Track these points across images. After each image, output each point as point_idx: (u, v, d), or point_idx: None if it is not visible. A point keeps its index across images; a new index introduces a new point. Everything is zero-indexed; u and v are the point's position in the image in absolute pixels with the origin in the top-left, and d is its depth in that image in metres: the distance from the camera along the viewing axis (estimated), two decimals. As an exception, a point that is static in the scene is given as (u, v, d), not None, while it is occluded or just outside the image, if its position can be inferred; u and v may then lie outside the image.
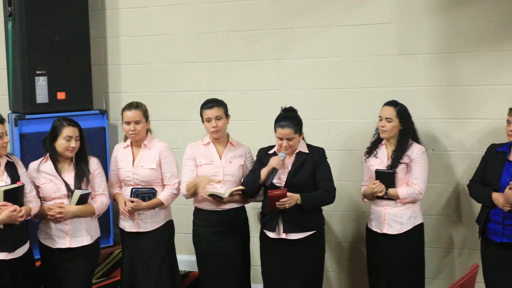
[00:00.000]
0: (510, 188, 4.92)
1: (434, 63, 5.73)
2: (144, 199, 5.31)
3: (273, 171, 5.14)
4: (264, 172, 5.16)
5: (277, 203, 5.05)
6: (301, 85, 6.10)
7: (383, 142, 5.41)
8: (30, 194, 5.02)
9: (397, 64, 5.82)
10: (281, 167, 5.16)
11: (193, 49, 6.41)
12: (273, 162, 5.14)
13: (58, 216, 5.06)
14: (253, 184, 5.21)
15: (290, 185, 5.15)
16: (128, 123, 5.35)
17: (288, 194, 5.05)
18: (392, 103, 5.34)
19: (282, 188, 5.12)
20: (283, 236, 5.16)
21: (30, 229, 5.32)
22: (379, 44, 5.86)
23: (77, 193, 5.10)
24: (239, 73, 6.29)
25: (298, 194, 5.10)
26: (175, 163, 5.44)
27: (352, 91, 5.95)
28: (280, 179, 5.19)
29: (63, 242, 5.13)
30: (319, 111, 6.04)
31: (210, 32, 6.34)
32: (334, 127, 6.02)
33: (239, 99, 6.24)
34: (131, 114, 5.35)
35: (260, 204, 5.47)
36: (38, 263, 5.30)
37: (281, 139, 5.15)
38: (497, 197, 5.04)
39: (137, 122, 5.35)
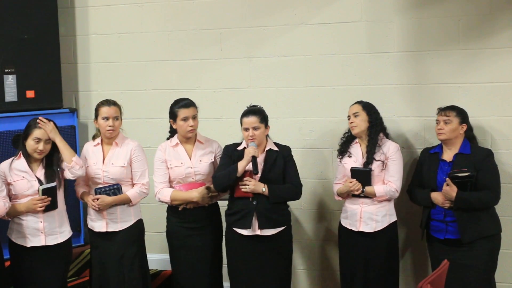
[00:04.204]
0: (447, 185, 5.04)
1: (403, 62, 5.77)
2: (108, 195, 5.30)
3: (253, 159, 5.13)
4: (243, 164, 5.12)
5: (240, 182, 5.11)
6: (272, 83, 6.11)
7: (356, 140, 5.44)
8: (-2, 194, 4.99)
9: (367, 63, 5.85)
10: (258, 154, 5.14)
11: (163, 47, 6.39)
12: (249, 151, 5.13)
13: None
14: (229, 178, 5.17)
15: (265, 181, 5.17)
16: (107, 118, 5.33)
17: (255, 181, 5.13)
18: (358, 102, 5.44)
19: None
20: (258, 232, 5.17)
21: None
22: (349, 43, 5.89)
23: (39, 189, 5.04)
24: (209, 71, 6.28)
25: (265, 184, 5.14)
26: (146, 162, 5.43)
27: (322, 89, 5.97)
28: (255, 176, 5.19)
29: (38, 240, 5.10)
30: (289, 109, 6.06)
31: (180, 30, 6.33)
32: (305, 125, 6.04)
33: (209, 97, 6.24)
34: (110, 110, 5.34)
35: (223, 202, 5.50)
36: (7, 263, 5.25)
37: (247, 129, 5.18)
38: (436, 196, 5.17)
39: (115, 118, 5.35)
